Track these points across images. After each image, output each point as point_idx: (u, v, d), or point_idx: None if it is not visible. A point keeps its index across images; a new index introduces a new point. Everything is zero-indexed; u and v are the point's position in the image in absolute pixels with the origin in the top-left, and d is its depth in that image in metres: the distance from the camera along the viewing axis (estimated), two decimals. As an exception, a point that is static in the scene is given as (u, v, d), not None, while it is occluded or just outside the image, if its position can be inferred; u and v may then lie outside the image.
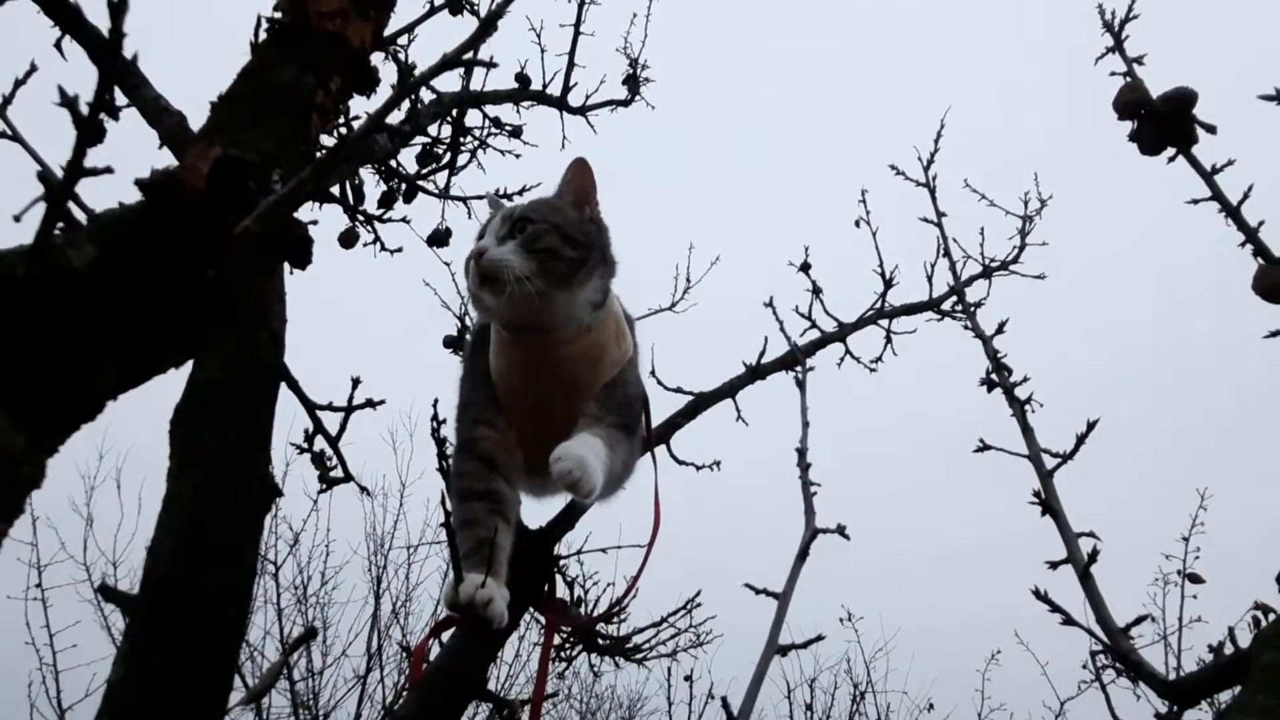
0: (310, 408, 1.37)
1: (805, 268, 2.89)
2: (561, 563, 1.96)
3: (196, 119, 1.77)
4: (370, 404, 1.45)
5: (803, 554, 1.72)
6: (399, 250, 2.35)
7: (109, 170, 0.53)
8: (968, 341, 2.85)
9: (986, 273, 3.11)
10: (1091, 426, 1.47)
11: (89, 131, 0.50)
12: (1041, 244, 3.33)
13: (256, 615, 6.50)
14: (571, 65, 3.26)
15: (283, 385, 1.35)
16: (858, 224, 2.92)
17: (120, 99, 1.87)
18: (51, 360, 0.55)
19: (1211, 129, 1.90)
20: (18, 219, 0.55)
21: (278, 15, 0.82)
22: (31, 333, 0.54)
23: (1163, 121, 1.95)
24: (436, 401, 1.68)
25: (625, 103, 3.73)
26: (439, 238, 3.11)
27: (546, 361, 1.61)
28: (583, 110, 3.51)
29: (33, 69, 1.39)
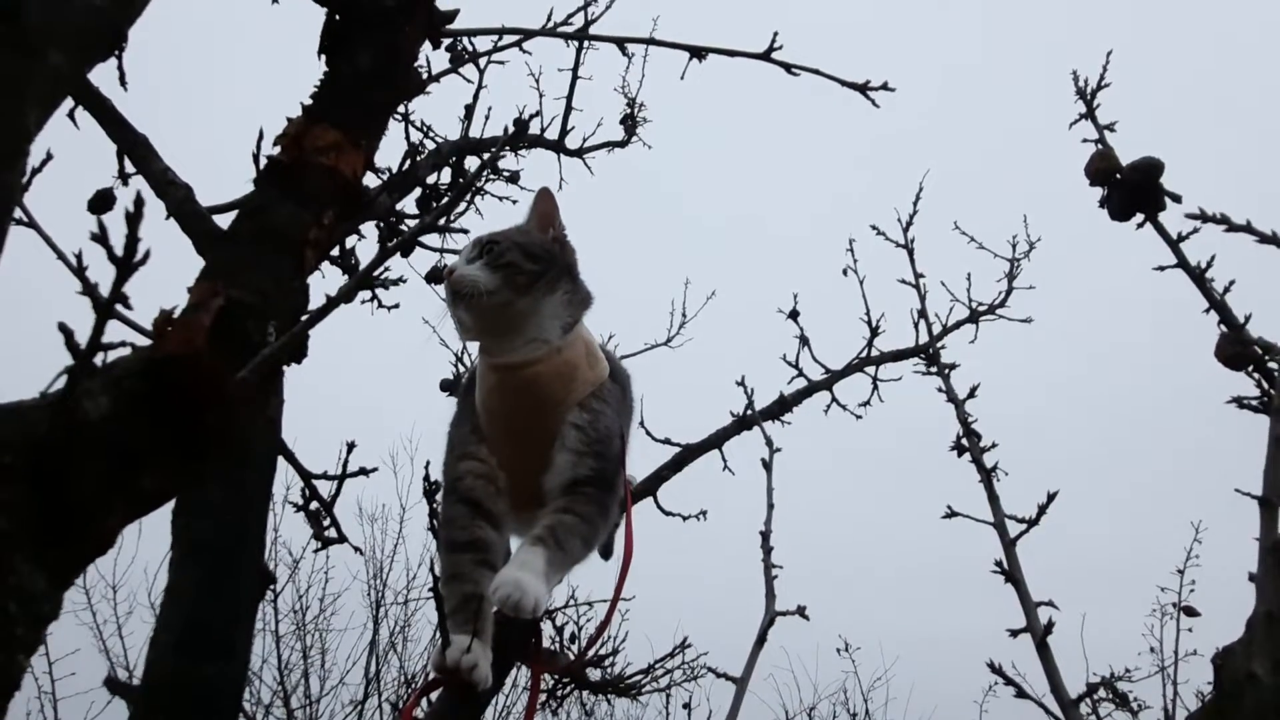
0: (306, 477, 1.44)
1: (794, 315, 2.96)
2: (551, 612, 2.02)
3: (203, 190, 1.86)
4: (363, 472, 1.53)
5: (761, 639, 1.77)
6: (395, 307, 2.43)
7: (124, 344, 0.60)
8: (975, 354, 2.95)
9: (973, 317, 3.18)
10: (1052, 498, 1.53)
11: (106, 314, 0.57)
12: (1029, 287, 3.40)
13: (255, 642, 6.52)
14: (569, 109, 3.35)
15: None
16: (845, 273, 3.00)
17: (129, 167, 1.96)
18: (69, 505, 0.62)
19: (1177, 198, 1.97)
20: (44, 394, 0.63)
21: (277, 151, 0.89)
22: (51, 482, 0.61)
23: (1131, 189, 2.02)
24: (428, 464, 1.75)
25: (622, 143, 3.81)
26: (438, 275, 3.19)
27: (522, 382, 1.70)
28: (580, 152, 3.60)
29: (49, 158, 1.47)
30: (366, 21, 1.02)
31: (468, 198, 3.45)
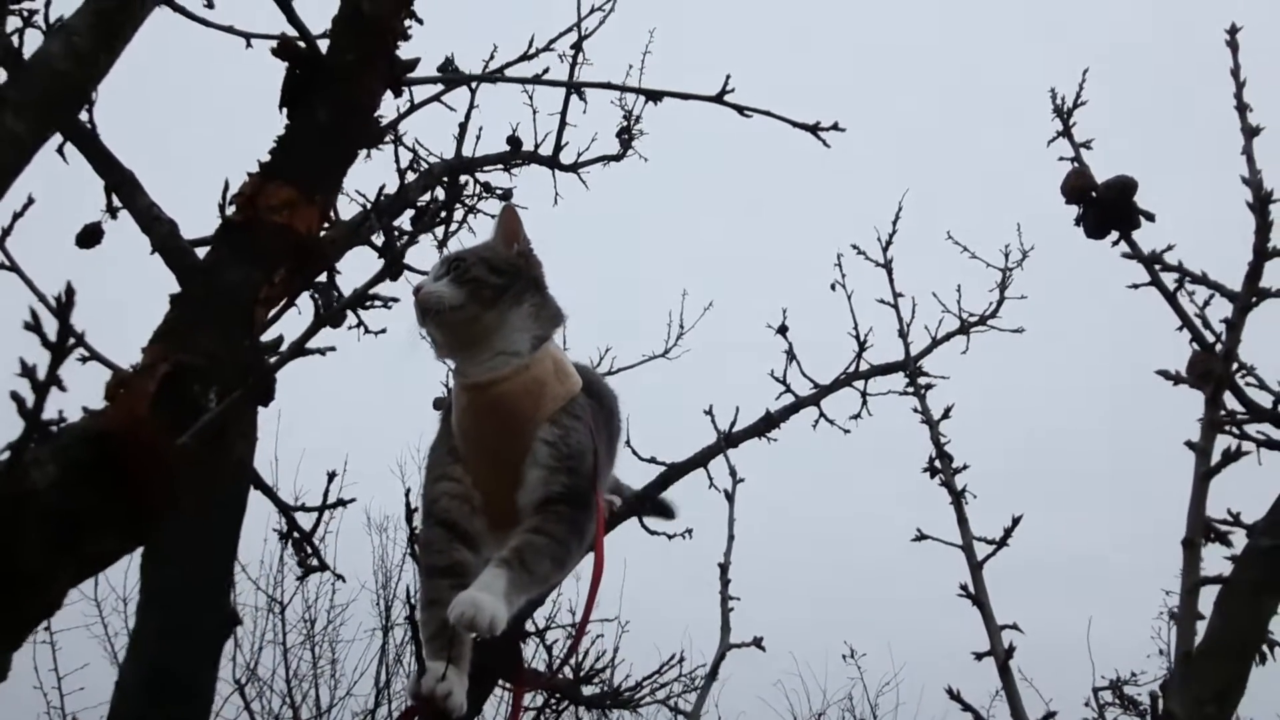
0: (285, 509, 1.48)
1: (783, 330, 2.97)
2: (541, 631, 2.05)
3: (187, 225, 1.90)
4: (341, 503, 1.56)
5: (713, 673, 1.78)
6: (383, 331, 2.46)
7: (63, 419, 0.64)
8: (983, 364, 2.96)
9: (964, 328, 3.19)
10: (1016, 521, 1.55)
11: (43, 396, 0.61)
12: (1021, 297, 3.41)
13: (264, 654, 6.57)
14: (563, 124, 3.37)
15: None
16: (834, 287, 3.02)
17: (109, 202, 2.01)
18: (17, 572, 0.65)
19: (1151, 216, 1.98)
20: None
21: (232, 210, 0.92)
22: (1, 552, 0.64)
23: (1106, 208, 2.04)
24: (409, 490, 1.78)
25: (618, 157, 3.83)
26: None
27: (491, 401, 1.74)
28: (574, 167, 3.62)
29: (30, 202, 1.51)
30: (326, 75, 1.06)
31: (460, 218, 3.49)
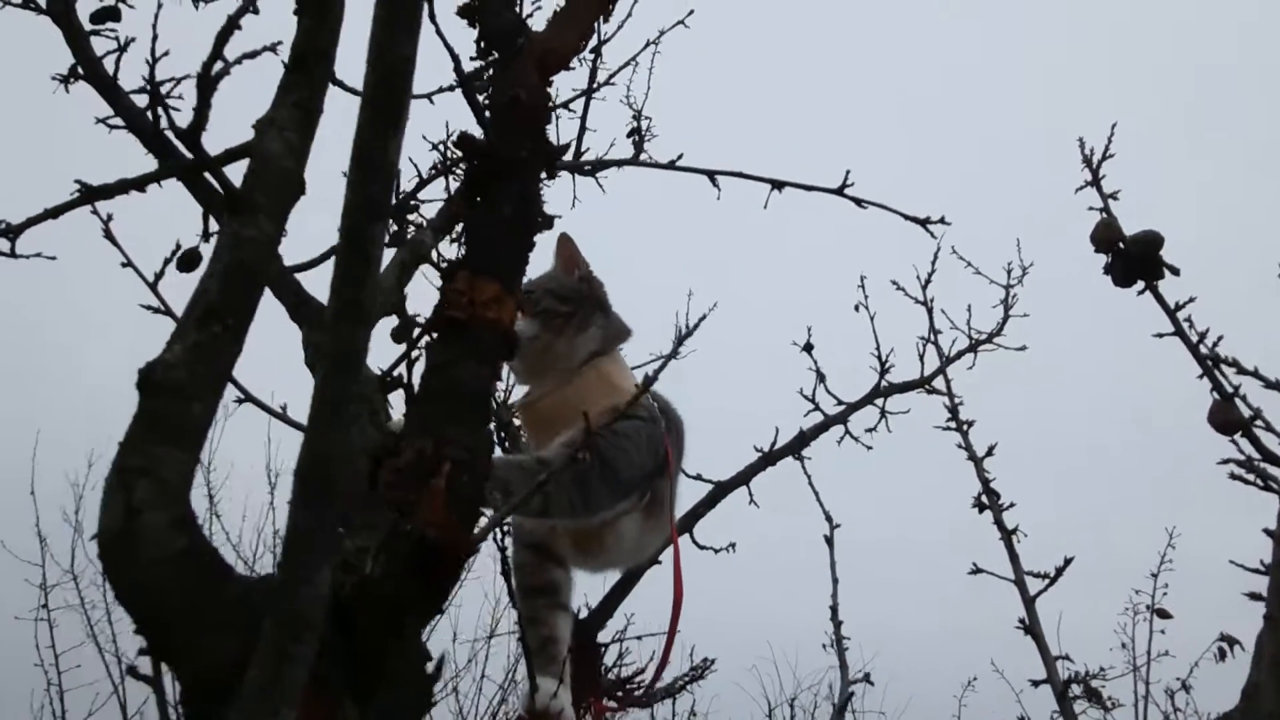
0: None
1: (808, 348, 3.10)
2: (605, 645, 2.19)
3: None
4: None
5: (840, 712, 1.95)
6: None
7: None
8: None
9: (973, 347, 3.35)
10: (1068, 561, 1.73)
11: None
12: (1023, 315, 3.57)
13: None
14: (583, 130, 3.46)
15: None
16: (857, 309, 3.15)
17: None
18: (362, 651, 0.78)
19: (1175, 270, 2.16)
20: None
21: (454, 313, 1.04)
22: (349, 629, 0.78)
23: (1133, 259, 2.21)
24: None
25: (632, 160, 3.92)
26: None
27: (534, 416, 1.90)
28: (593, 171, 3.72)
29: (178, 248, 1.61)
30: (505, 170, 1.18)
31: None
